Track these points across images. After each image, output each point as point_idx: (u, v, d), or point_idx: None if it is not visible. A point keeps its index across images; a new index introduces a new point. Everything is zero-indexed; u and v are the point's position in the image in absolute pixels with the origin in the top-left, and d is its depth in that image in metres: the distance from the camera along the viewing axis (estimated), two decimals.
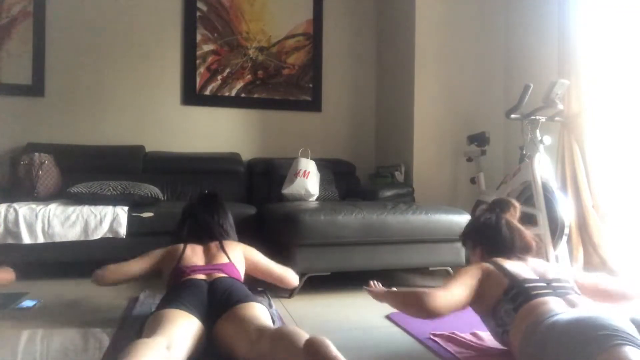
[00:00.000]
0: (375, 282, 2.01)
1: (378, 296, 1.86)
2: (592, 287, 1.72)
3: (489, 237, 1.80)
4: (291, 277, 2.21)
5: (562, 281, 1.60)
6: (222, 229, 2.14)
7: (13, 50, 3.61)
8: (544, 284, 1.56)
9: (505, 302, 1.55)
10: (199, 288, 1.68)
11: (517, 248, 1.75)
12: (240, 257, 2.05)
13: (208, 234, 2.10)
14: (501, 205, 1.88)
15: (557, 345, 1.32)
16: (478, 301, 1.66)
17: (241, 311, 1.54)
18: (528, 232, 1.81)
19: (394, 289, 1.90)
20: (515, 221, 1.84)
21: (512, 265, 1.65)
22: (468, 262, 2.78)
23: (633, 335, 1.25)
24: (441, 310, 1.57)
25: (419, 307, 1.58)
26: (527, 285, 1.55)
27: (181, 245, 2.01)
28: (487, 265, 1.69)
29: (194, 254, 1.96)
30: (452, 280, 1.66)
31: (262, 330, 1.41)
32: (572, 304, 1.48)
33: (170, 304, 1.54)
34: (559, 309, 1.43)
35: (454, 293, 1.61)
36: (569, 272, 1.74)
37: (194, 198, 2.32)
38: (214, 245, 2.04)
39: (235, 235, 2.23)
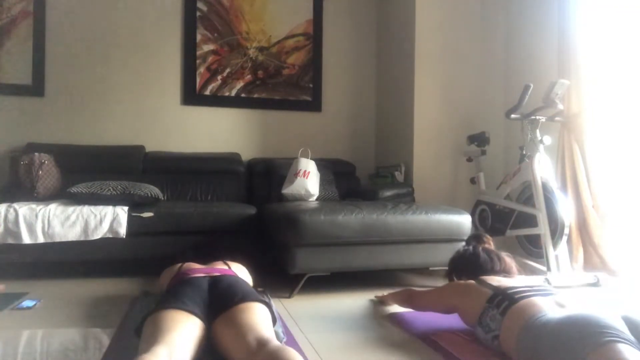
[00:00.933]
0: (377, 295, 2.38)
1: (385, 300, 2.29)
2: None
3: (470, 264, 1.98)
4: None
5: (544, 286, 1.69)
6: (226, 252, 2.21)
7: (13, 50, 3.61)
8: (525, 289, 1.63)
9: (490, 309, 1.63)
10: (199, 284, 1.66)
11: (497, 268, 1.92)
12: (243, 273, 2.08)
13: (212, 254, 2.15)
14: (476, 239, 2.17)
15: (550, 344, 1.34)
16: (464, 313, 1.79)
17: (242, 314, 1.49)
18: (507, 258, 1.97)
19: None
20: (492, 248, 2.06)
21: (495, 280, 1.76)
22: None
23: (623, 332, 1.28)
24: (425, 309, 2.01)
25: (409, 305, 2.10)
26: (510, 291, 1.62)
27: (178, 264, 2.06)
28: (468, 282, 1.83)
29: (193, 266, 2.00)
30: (439, 289, 1.97)
31: (262, 343, 1.35)
32: (560, 304, 1.52)
33: (170, 303, 1.50)
34: (548, 309, 1.47)
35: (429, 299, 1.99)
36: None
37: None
38: (217, 262, 2.08)
39: None
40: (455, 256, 2.12)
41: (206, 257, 2.13)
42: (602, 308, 1.44)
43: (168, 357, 1.27)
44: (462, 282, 1.89)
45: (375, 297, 2.40)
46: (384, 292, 2.38)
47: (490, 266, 1.92)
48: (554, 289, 1.67)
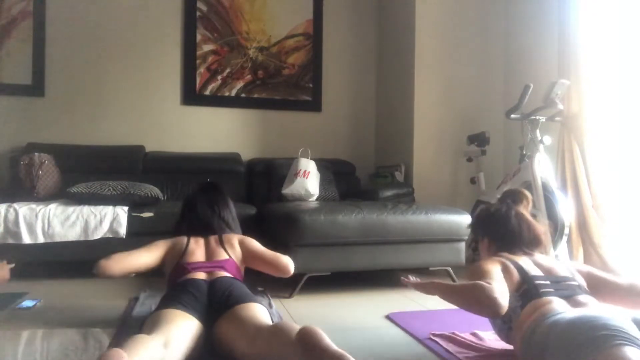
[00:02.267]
0: (411, 276, 1.95)
1: (425, 288, 1.73)
2: (586, 275, 1.65)
3: (497, 227, 1.76)
4: (284, 261, 2.01)
5: (569, 280, 1.56)
6: (223, 222, 2.11)
7: (13, 50, 3.61)
8: (549, 282, 1.53)
9: (514, 299, 1.51)
10: (198, 289, 1.68)
11: (524, 240, 1.71)
12: (238, 250, 2.03)
13: (208, 227, 2.07)
14: (513, 197, 1.85)
15: (557, 345, 1.31)
16: None
17: (241, 311, 1.55)
18: (539, 226, 1.76)
19: (437, 280, 1.77)
20: (526, 213, 1.79)
21: (522, 260, 1.61)
22: (468, 260, 2.79)
23: (634, 336, 1.24)
24: (504, 307, 1.42)
25: (487, 302, 1.41)
26: (536, 282, 1.51)
27: (185, 238, 1.99)
28: (503, 260, 1.63)
29: (197, 248, 1.95)
30: (487, 273, 1.53)
31: (259, 328, 1.43)
32: (576, 304, 1.45)
33: (170, 304, 1.55)
34: (561, 309, 1.41)
35: (504, 286, 1.49)
36: (570, 267, 1.67)
37: (195, 188, 2.29)
38: (213, 239, 2.02)
39: (238, 225, 2.20)
40: (484, 212, 1.87)
41: (202, 230, 2.07)
42: (612, 309, 1.41)
43: (164, 346, 1.33)
44: (497, 261, 1.63)
45: (403, 278, 1.98)
46: (415, 277, 1.96)
47: (518, 235, 1.71)
48: (578, 282, 1.57)
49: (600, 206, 2.97)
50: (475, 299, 1.44)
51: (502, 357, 1.58)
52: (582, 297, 1.50)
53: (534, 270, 1.58)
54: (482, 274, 1.53)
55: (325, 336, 1.25)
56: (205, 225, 2.08)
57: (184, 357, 1.41)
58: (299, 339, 1.25)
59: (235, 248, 2.02)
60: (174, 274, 1.85)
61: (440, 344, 1.73)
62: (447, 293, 1.59)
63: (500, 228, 1.74)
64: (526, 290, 1.50)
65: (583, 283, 1.59)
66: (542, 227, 1.75)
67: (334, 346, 1.22)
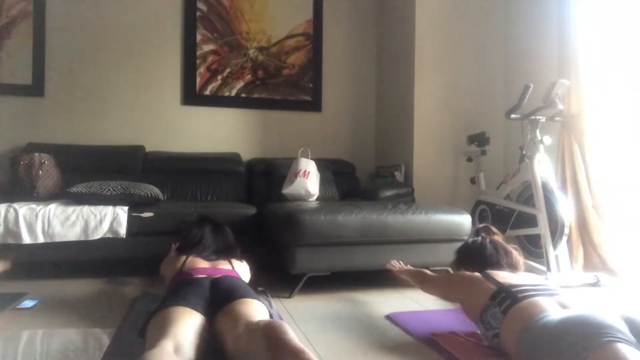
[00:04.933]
0: (397, 261, 2.41)
1: (398, 272, 2.34)
2: None
3: (476, 256, 1.94)
4: None
5: (549, 285, 1.68)
6: (230, 248, 2.21)
7: (13, 50, 3.61)
8: (531, 287, 1.61)
9: (492, 306, 1.61)
10: (201, 284, 1.68)
11: (504, 264, 1.88)
12: (244, 271, 2.07)
13: (215, 254, 2.13)
14: (485, 230, 2.12)
15: (550, 345, 1.34)
16: (467, 307, 1.77)
17: (238, 306, 1.54)
18: (515, 252, 1.94)
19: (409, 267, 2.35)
20: (500, 241, 2.01)
21: (500, 276, 1.73)
22: None
23: (624, 333, 1.27)
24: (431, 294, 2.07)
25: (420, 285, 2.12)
26: (513, 289, 1.60)
27: (183, 256, 2.03)
28: (475, 274, 1.81)
29: (199, 262, 1.99)
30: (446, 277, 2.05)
31: (248, 325, 1.43)
32: (563, 305, 1.51)
33: (173, 301, 1.53)
34: (550, 309, 1.46)
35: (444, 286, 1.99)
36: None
37: (193, 221, 2.34)
38: (222, 261, 2.07)
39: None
40: (462, 246, 2.09)
41: (209, 256, 2.11)
42: (602, 308, 1.44)
43: (174, 350, 1.31)
44: (467, 273, 1.86)
45: (389, 264, 2.41)
46: (400, 263, 2.41)
47: (496, 259, 1.88)
48: (559, 289, 1.66)
49: (600, 206, 2.98)
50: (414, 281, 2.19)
51: (501, 357, 1.58)
52: (565, 298, 1.56)
53: (514, 281, 1.69)
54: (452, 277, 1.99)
55: (289, 330, 1.26)
56: (215, 252, 2.14)
57: (195, 356, 1.40)
58: (264, 333, 1.26)
59: (241, 268, 2.06)
60: (176, 277, 1.85)
61: (441, 344, 1.73)
62: (407, 275, 2.25)
63: (479, 256, 1.93)
64: (504, 297, 1.60)
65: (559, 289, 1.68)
66: (516, 252, 1.95)
67: (296, 341, 1.24)
